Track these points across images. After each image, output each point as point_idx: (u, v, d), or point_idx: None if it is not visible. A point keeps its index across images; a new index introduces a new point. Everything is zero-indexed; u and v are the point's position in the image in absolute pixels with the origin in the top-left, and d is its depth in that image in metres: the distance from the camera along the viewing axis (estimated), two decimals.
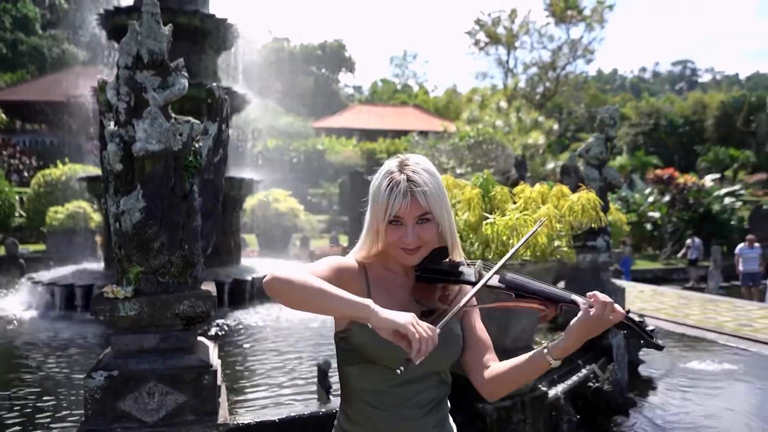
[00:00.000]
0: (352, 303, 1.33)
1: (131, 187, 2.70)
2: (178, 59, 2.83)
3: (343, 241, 16.25)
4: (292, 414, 3.01)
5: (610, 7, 37.45)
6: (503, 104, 26.88)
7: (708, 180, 23.11)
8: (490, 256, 3.60)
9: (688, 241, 16.77)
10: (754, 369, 6.28)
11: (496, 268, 1.48)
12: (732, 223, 20.20)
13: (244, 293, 6.60)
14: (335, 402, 3.14)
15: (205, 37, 7.12)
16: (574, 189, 4.06)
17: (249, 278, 6.69)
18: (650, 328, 1.40)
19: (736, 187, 24.98)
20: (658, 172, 21.81)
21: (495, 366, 1.52)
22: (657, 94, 61.83)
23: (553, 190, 3.84)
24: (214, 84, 3.01)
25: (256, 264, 7.95)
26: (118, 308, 2.62)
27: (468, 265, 1.55)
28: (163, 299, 2.67)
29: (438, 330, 1.32)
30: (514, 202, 3.71)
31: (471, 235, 3.43)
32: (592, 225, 3.83)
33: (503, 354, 3.81)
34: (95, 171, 13.32)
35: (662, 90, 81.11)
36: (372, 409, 1.51)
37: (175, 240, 2.71)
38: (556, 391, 4.10)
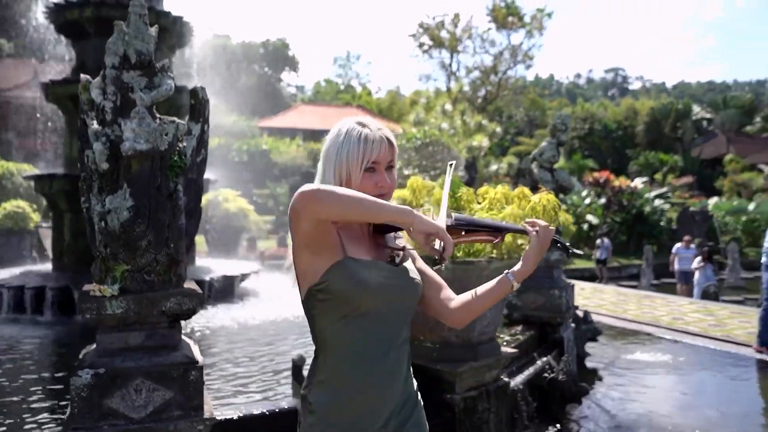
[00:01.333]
0: (395, 208, 1.40)
1: (116, 185, 2.71)
2: (162, 60, 2.86)
3: None
4: (275, 408, 3.09)
5: (549, 15, 38.78)
6: (448, 107, 27.38)
7: (638, 183, 24.29)
8: (458, 254, 3.79)
9: (598, 241, 17.23)
10: (688, 358, 6.77)
11: (444, 208, 1.56)
12: (661, 224, 21.32)
13: (203, 293, 6.55)
14: None
15: (161, 35, 7.00)
16: (531, 191, 4.29)
17: (207, 278, 6.66)
18: (567, 243, 1.70)
19: (665, 189, 26.40)
20: (596, 175, 22.74)
21: (462, 296, 1.64)
22: (591, 100, 64.28)
23: (515, 191, 4.05)
24: (199, 85, 3.06)
25: (211, 264, 7.89)
26: (105, 306, 2.63)
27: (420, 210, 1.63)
28: (149, 297, 2.70)
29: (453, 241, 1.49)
30: (479, 203, 3.90)
31: None
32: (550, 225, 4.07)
33: (470, 349, 3.96)
34: (32, 170, 12.77)
35: (595, 96, 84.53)
36: (351, 367, 1.49)
37: (162, 238, 2.74)
38: (516, 381, 4.34)
